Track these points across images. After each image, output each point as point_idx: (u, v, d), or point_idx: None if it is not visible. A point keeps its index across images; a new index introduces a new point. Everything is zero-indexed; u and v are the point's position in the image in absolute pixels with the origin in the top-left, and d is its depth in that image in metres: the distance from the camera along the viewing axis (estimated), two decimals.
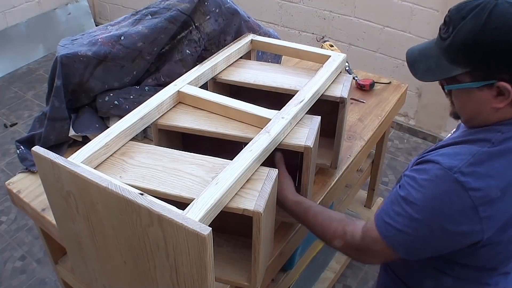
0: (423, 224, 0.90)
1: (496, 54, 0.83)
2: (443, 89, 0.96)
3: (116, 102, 1.53)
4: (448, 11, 0.90)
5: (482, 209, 0.87)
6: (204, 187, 0.94)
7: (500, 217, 0.90)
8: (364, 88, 1.83)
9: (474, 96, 0.90)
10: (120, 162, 1.04)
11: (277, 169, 1.04)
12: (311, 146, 1.09)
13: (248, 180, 1.00)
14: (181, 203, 0.90)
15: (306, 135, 1.13)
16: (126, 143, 1.10)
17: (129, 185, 0.90)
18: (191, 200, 0.89)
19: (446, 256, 0.97)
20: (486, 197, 0.86)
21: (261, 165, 1.04)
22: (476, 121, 0.94)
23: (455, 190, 0.87)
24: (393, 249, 0.94)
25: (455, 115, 1.00)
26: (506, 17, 0.82)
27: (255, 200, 0.94)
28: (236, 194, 0.96)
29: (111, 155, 1.06)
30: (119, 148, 1.08)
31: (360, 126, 1.67)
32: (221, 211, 0.92)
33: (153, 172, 1.01)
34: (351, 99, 1.76)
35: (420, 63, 0.94)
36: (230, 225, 1.08)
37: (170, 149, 1.09)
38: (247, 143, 1.05)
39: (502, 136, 0.89)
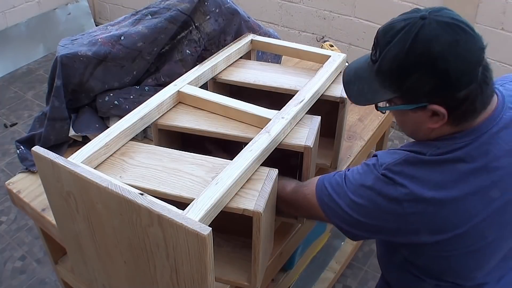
0: (353, 203, 0.94)
1: (423, 80, 0.82)
2: (380, 111, 0.96)
3: (116, 102, 1.53)
4: (377, 32, 0.90)
5: (408, 205, 0.88)
6: (204, 187, 0.94)
7: (441, 222, 0.89)
8: None
9: (409, 117, 0.90)
10: (120, 162, 1.04)
11: (277, 169, 1.04)
12: (311, 146, 1.09)
13: (248, 180, 1.00)
14: (181, 203, 0.90)
15: (306, 135, 1.13)
16: (126, 143, 1.10)
17: (129, 185, 0.90)
18: (191, 200, 0.89)
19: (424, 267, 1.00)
20: (411, 195, 0.87)
21: (261, 165, 1.04)
22: (418, 137, 0.96)
23: (384, 183, 0.90)
24: (322, 209, 1.00)
25: None
26: (432, 41, 0.80)
27: (255, 200, 0.94)
28: (236, 194, 0.96)
29: (111, 155, 1.06)
30: (119, 148, 1.08)
31: (360, 126, 1.67)
32: (221, 211, 0.92)
33: (153, 172, 1.01)
34: None
35: (354, 85, 0.95)
36: (230, 225, 1.08)
37: (170, 149, 1.09)
38: (247, 143, 1.06)
39: (438, 151, 0.89)
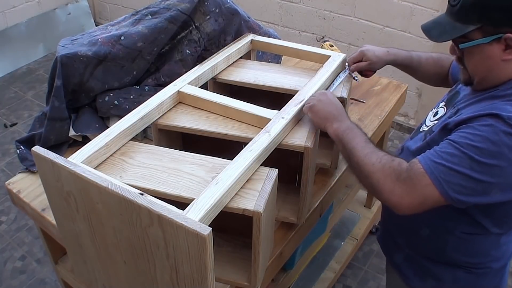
0: (484, 165, 0.90)
1: (503, 9, 0.91)
2: (457, 51, 1.01)
3: (116, 102, 1.53)
4: None
5: None
6: (204, 187, 0.94)
7: None
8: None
9: (486, 51, 0.96)
10: (120, 162, 1.04)
11: (276, 169, 1.04)
12: (311, 146, 1.09)
13: (248, 180, 1.00)
14: (181, 203, 0.90)
15: (306, 135, 1.13)
16: (126, 143, 1.10)
17: (129, 185, 0.90)
18: (191, 200, 0.89)
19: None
20: None
21: (261, 165, 1.04)
22: (488, 79, 1.00)
23: None
24: (441, 189, 0.93)
25: (467, 81, 1.05)
26: None
27: (255, 200, 0.94)
28: (236, 194, 0.96)
29: (111, 155, 1.06)
30: (119, 148, 1.08)
31: (360, 126, 1.67)
32: (221, 211, 0.92)
33: (153, 172, 1.01)
34: (351, 99, 1.76)
35: (434, 30, 1.02)
36: (230, 225, 1.08)
37: (170, 149, 1.09)
38: (247, 143, 1.05)
39: None
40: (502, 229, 1.08)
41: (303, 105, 1.18)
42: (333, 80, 1.37)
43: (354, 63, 1.41)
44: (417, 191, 0.94)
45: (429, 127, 1.14)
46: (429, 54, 1.41)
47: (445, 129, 1.02)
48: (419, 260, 1.19)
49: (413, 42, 2.78)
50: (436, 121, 1.12)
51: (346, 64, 1.44)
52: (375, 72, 1.46)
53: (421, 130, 1.17)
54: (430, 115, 1.20)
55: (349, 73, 1.42)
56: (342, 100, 1.27)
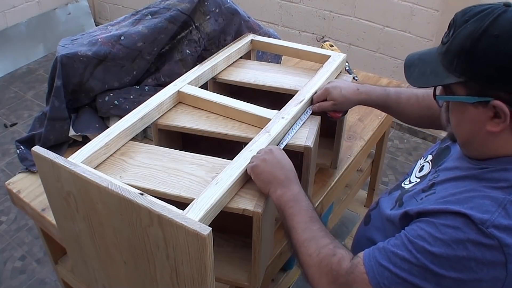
0: (441, 277, 0.75)
1: (494, 66, 0.73)
2: (437, 102, 0.87)
3: (116, 102, 1.53)
4: (455, 15, 0.82)
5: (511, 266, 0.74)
6: (204, 187, 0.94)
7: None
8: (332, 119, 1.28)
9: (469, 113, 0.79)
10: (120, 162, 1.04)
11: None
12: (311, 146, 1.09)
13: (248, 180, 1.00)
14: (181, 203, 0.90)
15: (306, 135, 1.13)
16: (126, 143, 1.10)
17: (129, 185, 0.90)
18: (191, 200, 0.89)
19: None
20: None
21: None
22: (472, 146, 0.84)
23: (489, 246, 0.73)
24: None
25: (451, 136, 0.89)
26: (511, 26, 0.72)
27: (255, 200, 0.94)
28: (236, 194, 0.96)
29: (111, 155, 1.06)
30: (119, 148, 1.08)
31: (360, 126, 1.67)
32: (221, 211, 0.92)
33: (153, 172, 1.01)
34: None
35: (416, 67, 0.86)
36: (230, 225, 1.08)
37: (170, 149, 1.09)
38: (247, 143, 1.06)
39: None
40: None
41: (264, 147, 1.02)
42: (292, 125, 1.15)
43: (318, 102, 1.22)
44: None
45: (412, 184, 0.99)
46: (411, 92, 1.18)
47: (407, 217, 0.86)
48: None
49: (413, 42, 2.78)
50: (419, 180, 0.98)
51: (347, 63, 1.39)
52: (345, 112, 1.25)
53: (402, 185, 1.03)
54: (417, 169, 1.04)
55: (311, 113, 1.21)
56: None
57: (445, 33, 0.82)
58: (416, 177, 1.01)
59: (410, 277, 0.77)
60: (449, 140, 0.92)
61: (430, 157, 1.02)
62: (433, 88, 0.86)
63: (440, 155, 0.98)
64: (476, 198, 0.77)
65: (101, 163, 1.04)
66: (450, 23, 0.82)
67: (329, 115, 1.24)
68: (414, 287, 0.77)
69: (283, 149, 1.07)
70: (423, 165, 1.02)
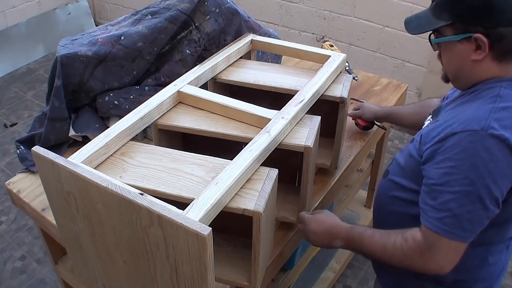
0: (476, 192, 0.91)
1: (472, 7, 0.92)
2: (432, 46, 1.05)
3: (116, 102, 1.53)
4: None
5: None
6: (204, 187, 0.94)
7: None
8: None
9: (456, 49, 0.98)
10: (120, 162, 1.04)
11: (276, 169, 1.04)
12: (311, 146, 1.09)
13: (248, 180, 1.00)
14: (181, 203, 0.90)
15: (306, 135, 1.13)
16: (126, 143, 1.10)
17: (129, 185, 0.90)
18: (191, 200, 0.89)
19: None
20: None
21: (261, 165, 1.04)
22: (460, 78, 1.02)
23: (495, 144, 0.89)
24: (459, 238, 0.94)
25: (444, 77, 1.08)
26: None
27: (255, 200, 0.94)
28: (236, 194, 0.96)
29: (111, 155, 1.06)
30: (119, 148, 1.08)
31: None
32: (221, 211, 0.92)
33: (153, 172, 1.01)
34: (351, 99, 1.76)
35: (413, 22, 1.06)
36: (230, 225, 1.08)
37: (170, 149, 1.09)
38: (247, 143, 1.05)
39: (506, 90, 0.95)
40: (490, 240, 1.04)
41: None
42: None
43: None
44: (447, 254, 0.96)
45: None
46: (413, 104, 1.48)
47: (421, 141, 1.03)
48: (403, 276, 1.15)
49: (413, 42, 2.78)
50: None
51: (347, 63, 1.47)
52: (371, 124, 1.61)
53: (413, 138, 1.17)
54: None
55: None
56: (343, 100, 1.27)
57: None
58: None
59: (463, 209, 0.92)
60: (443, 81, 1.10)
61: (429, 116, 1.18)
62: (428, 38, 1.06)
63: (436, 110, 1.15)
64: (472, 115, 0.93)
65: (101, 163, 1.04)
66: None
67: (357, 121, 1.61)
68: (472, 212, 0.92)
69: (280, 148, 1.10)
70: (424, 123, 1.17)
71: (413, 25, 1.06)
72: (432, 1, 1.03)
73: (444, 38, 1.00)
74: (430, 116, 1.16)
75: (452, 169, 0.92)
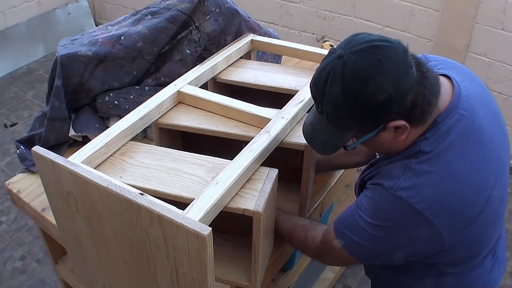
0: (378, 238, 0.93)
1: (369, 109, 0.85)
2: (346, 150, 0.98)
3: (116, 102, 1.53)
4: (309, 87, 0.94)
5: (435, 216, 0.88)
6: (204, 187, 0.94)
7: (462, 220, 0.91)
8: None
9: (377, 141, 0.93)
10: (120, 162, 1.04)
11: (276, 169, 1.04)
12: None
13: (248, 180, 1.00)
14: (181, 203, 0.90)
15: None
16: (126, 143, 1.10)
17: (129, 185, 0.90)
18: (191, 200, 0.89)
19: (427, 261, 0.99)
20: (435, 204, 0.88)
21: (261, 165, 1.04)
22: (393, 152, 0.96)
23: (401, 206, 0.89)
24: (353, 256, 0.99)
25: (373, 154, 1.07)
26: (357, 73, 0.83)
27: (255, 200, 0.94)
28: (236, 194, 0.96)
29: (111, 155, 1.06)
30: (119, 148, 1.08)
31: None
32: (221, 211, 0.92)
33: (153, 172, 1.01)
34: None
35: (316, 139, 0.97)
36: (230, 225, 1.08)
37: (170, 149, 1.09)
38: (247, 143, 1.05)
39: (429, 142, 0.91)
40: (459, 268, 1.03)
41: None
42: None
43: None
44: (338, 260, 1.05)
45: None
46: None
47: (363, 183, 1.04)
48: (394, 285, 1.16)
49: (413, 42, 2.78)
50: None
51: None
52: None
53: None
54: None
55: None
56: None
57: (314, 105, 0.95)
58: None
59: (358, 238, 0.95)
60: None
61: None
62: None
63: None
64: (390, 170, 0.93)
65: (101, 163, 1.04)
66: (312, 95, 0.94)
67: None
68: (366, 248, 0.95)
69: (281, 147, 1.10)
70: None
71: (319, 144, 0.97)
72: (320, 113, 0.92)
73: (360, 141, 0.93)
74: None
75: (364, 207, 0.95)
